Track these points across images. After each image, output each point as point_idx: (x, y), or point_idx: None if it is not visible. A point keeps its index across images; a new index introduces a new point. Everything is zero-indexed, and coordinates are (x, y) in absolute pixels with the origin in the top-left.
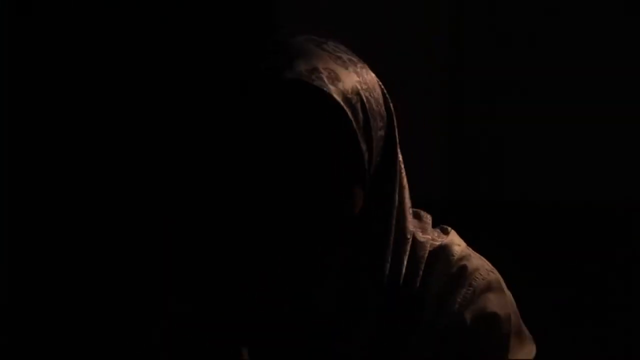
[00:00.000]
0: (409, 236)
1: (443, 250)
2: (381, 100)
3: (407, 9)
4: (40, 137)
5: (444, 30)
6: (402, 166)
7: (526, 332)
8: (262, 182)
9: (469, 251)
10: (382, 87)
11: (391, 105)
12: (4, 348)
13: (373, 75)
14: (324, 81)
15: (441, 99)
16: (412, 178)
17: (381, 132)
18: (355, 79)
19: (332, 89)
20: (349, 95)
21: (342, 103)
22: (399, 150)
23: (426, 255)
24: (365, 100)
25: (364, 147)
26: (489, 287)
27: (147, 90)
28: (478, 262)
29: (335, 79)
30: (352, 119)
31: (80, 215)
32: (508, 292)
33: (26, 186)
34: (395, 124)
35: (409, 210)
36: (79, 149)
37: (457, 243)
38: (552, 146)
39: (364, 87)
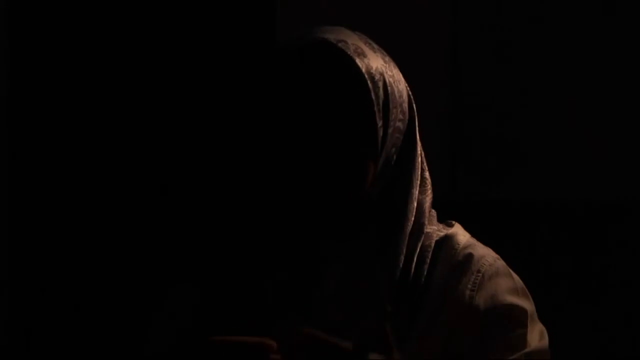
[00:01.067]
0: (424, 231)
1: (449, 240)
2: (404, 97)
3: (406, 9)
4: (40, 137)
5: (444, 30)
6: (428, 179)
7: (536, 316)
8: (280, 139)
9: (474, 241)
10: (409, 90)
11: (415, 109)
12: (3, 348)
13: (400, 75)
14: (349, 50)
15: (441, 99)
16: None
17: (400, 124)
18: (382, 63)
19: (357, 59)
20: (373, 72)
21: (364, 72)
22: (419, 152)
23: (433, 244)
24: (388, 83)
25: (379, 122)
26: (497, 273)
27: (148, 89)
28: (484, 250)
29: (362, 54)
30: (373, 92)
31: (80, 215)
32: (517, 277)
33: (26, 186)
34: (417, 128)
35: (429, 211)
36: (79, 149)
37: (461, 234)
38: (552, 146)
39: (389, 73)
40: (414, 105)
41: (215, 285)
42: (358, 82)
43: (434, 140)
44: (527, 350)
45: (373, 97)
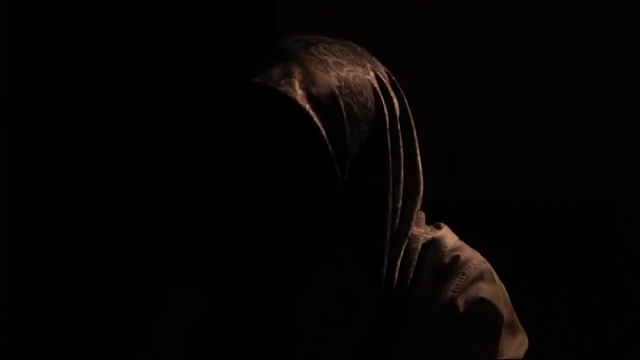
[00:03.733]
0: (408, 235)
1: (436, 243)
2: (370, 104)
3: (406, 9)
4: (40, 137)
5: (444, 30)
6: (419, 177)
7: (518, 324)
8: (231, 187)
9: (462, 243)
10: (378, 88)
11: (385, 109)
12: (4, 348)
13: (364, 79)
14: (293, 86)
15: (441, 99)
16: None
17: (364, 136)
18: (335, 84)
19: (300, 94)
20: (322, 101)
21: (308, 109)
22: (390, 157)
23: (419, 247)
24: (344, 104)
25: (335, 152)
26: (481, 277)
27: (145, 91)
28: (471, 253)
29: (310, 83)
30: (320, 125)
31: (80, 215)
32: (500, 283)
33: (26, 186)
34: (388, 130)
35: (414, 214)
36: (79, 148)
37: (449, 236)
38: (552, 146)
39: (345, 91)
40: (384, 105)
41: (215, 286)
42: (303, 121)
43: (434, 140)
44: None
45: (322, 131)
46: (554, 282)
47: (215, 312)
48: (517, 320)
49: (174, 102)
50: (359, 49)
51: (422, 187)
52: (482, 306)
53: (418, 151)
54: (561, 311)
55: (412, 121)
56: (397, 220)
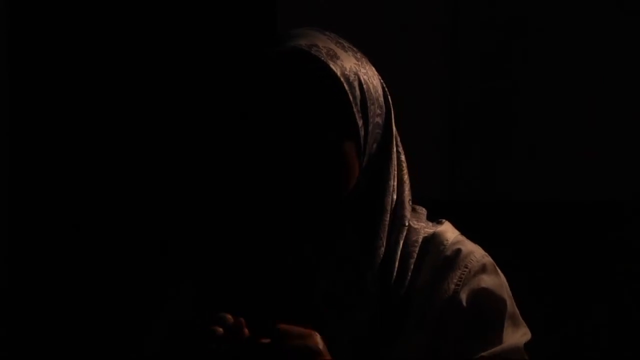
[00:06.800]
0: (406, 223)
1: (437, 237)
2: (380, 91)
3: (407, 9)
4: (40, 137)
5: (444, 30)
6: (404, 162)
7: (520, 319)
8: (265, 148)
9: (463, 237)
10: (382, 82)
11: (390, 100)
12: (3, 347)
13: (373, 69)
14: (322, 54)
15: (441, 99)
16: (412, 178)
17: (378, 119)
18: (354, 62)
19: (330, 63)
20: (347, 73)
21: (339, 75)
22: (396, 144)
23: (420, 240)
24: (363, 81)
25: (360, 122)
26: (483, 269)
27: (148, 89)
28: (472, 247)
29: (334, 56)
30: (350, 93)
31: (80, 215)
32: (502, 276)
33: (26, 186)
34: (394, 119)
35: (408, 202)
36: (79, 148)
37: (450, 231)
38: (552, 146)
39: (363, 71)
40: (389, 97)
41: (214, 282)
42: (335, 86)
43: (434, 140)
44: (503, 346)
45: (351, 98)
46: (554, 282)
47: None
48: (519, 315)
49: (174, 102)
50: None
51: (407, 175)
52: (486, 298)
53: (399, 142)
54: (561, 311)
55: (393, 116)
56: (395, 206)
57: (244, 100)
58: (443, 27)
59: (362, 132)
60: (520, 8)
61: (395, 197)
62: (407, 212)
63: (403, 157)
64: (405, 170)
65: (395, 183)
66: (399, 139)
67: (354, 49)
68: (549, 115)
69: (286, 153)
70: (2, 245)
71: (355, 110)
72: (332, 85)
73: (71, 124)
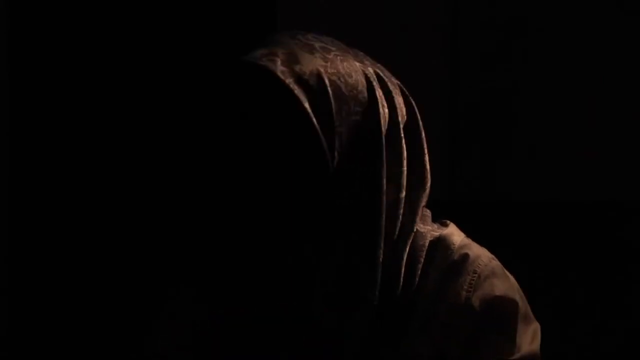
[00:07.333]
0: (414, 229)
1: (443, 240)
2: (361, 87)
3: (407, 9)
4: (40, 137)
5: (444, 30)
6: (427, 169)
7: (531, 314)
8: (218, 168)
9: (469, 241)
10: (381, 74)
11: (397, 100)
12: (4, 347)
13: (355, 64)
14: (275, 63)
15: (441, 99)
16: None
17: (356, 117)
18: (320, 63)
19: (281, 70)
20: (306, 77)
21: (288, 82)
22: (384, 143)
23: (427, 244)
24: (329, 82)
25: (320, 127)
26: (493, 273)
27: (148, 89)
28: (479, 250)
29: (293, 61)
30: (305, 98)
31: (80, 215)
32: (511, 276)
33: (26, 186)
34: (401, 116)
35: (420, 207)
36: (79, 149)
37: (457, 234)
38: (552, 146)
39: (331, 70)
40: (379, 94)
41: (213, 282)
42: (284, 94)
43: (434, 140)
44: (517, 355)
45: (307, 105)
46: (554, 282)
47: (215, 310)
48: (529, 309)
49: (174, 102)
50: (360, 53)
51: (429, 183)
52: (499, 303)
53: (426, 151)
54: (561, 311)
55: (420, 123)
56: (401, 211)
57: (201, 112)
58: (443, 27)
59: (324, 139)
60: (520, 8)
61: (401, 195)
62: (417, 217)
63: (425, 168)
64: (426, 175)
65: (400, 183)
66: (423, 138)
67: (332, 48)
68: (549, 115)
69: (233, 169)
70: (2, 245)
71: (313, 116)
72: (281, 94)
73: (71, 123)
